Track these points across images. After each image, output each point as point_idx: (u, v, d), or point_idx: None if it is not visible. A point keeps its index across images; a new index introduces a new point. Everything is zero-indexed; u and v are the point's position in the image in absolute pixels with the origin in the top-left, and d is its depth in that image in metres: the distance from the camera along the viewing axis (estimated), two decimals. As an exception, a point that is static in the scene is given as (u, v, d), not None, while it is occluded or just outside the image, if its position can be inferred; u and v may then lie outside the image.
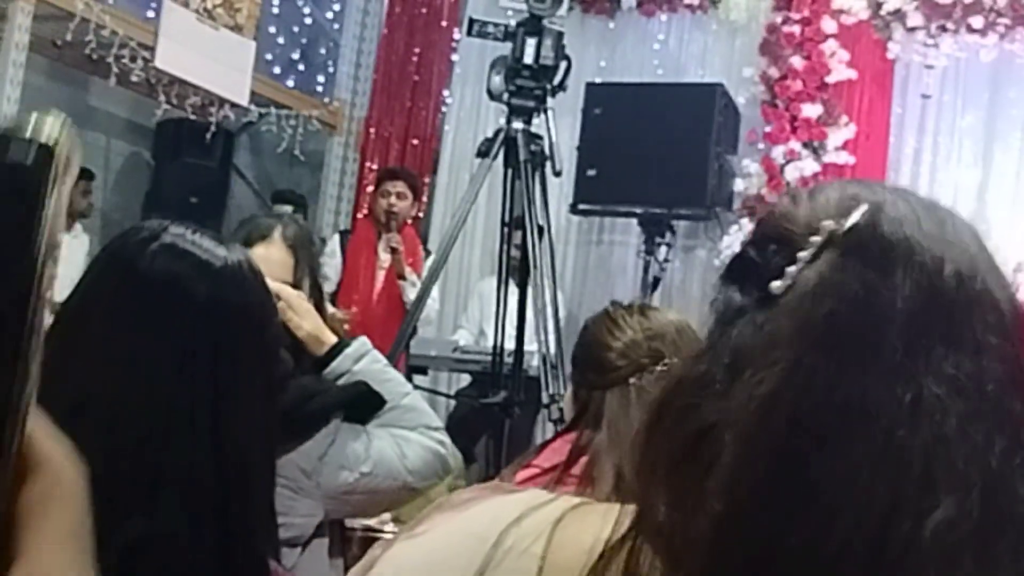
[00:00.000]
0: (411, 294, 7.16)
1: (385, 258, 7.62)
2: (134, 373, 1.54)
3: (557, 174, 5.57)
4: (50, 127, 0.65)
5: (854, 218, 0.94)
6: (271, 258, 3.09)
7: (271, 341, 1.69)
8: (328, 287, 7.24)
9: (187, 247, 1.62)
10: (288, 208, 8.57)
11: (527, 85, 5.54)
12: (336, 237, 7.97)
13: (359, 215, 9.23)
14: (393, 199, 7.67)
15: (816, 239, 0.93)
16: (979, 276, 0.93)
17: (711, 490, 0.88)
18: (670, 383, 0.99)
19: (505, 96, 5.58)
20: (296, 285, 3.18)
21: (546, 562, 0.96)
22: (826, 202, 0.97)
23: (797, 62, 8.01)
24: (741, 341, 0.93)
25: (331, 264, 7.55)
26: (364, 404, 2.61)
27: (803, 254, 0.93)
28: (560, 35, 5.64)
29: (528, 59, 5.54)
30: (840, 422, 0.87)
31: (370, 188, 9.00)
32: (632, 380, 2.40)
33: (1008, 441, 0.88)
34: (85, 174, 8.21)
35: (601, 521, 0.97)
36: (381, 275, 7.51)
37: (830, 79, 8.00)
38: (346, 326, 6.00)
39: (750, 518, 0.87)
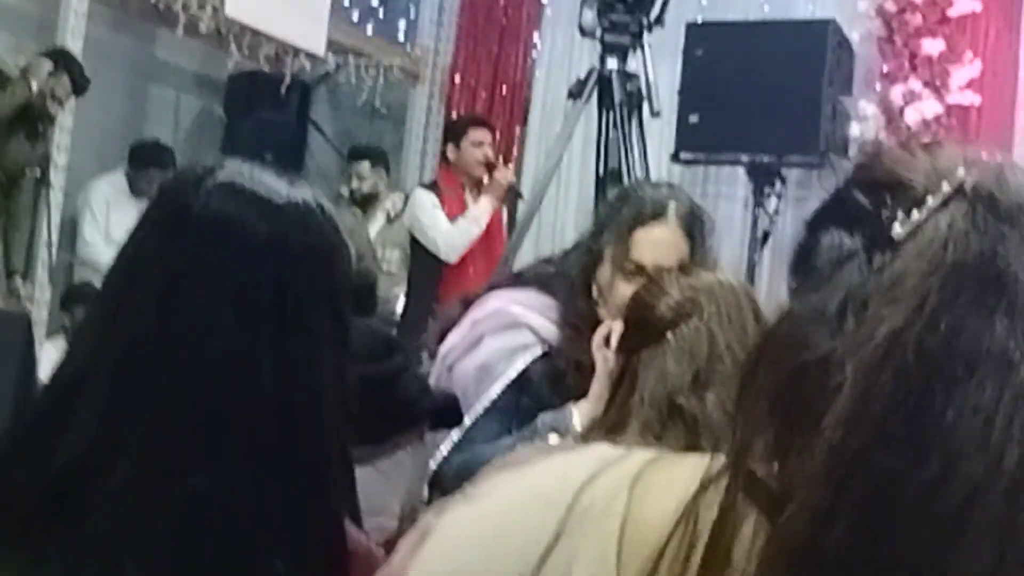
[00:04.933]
0: None
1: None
2: (191, 320, 1.51)
3: (655, 115, 5.53)
4: None
5: (984, 172, 0.98)
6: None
7: (340, 284, 1.65)
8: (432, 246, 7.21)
9: (245, 184, 1.58)
10: (366, 164, 8.52)
11: (621, 20, 5.51)
12: (422, 192, 7.63)
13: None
14: (487, 149, 7.39)
15: (946, 187, 0.97)
16: None
17: (827, 423, 0.90)
18: (778, 317, 1.02)
19: (598, 33, 5.55)
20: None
21: (628, 520, 0.97)
22: (947, 156, 1.01)
23: (916, -7, 7.90)
24: (854, 281, 0.96)
25: (437, 216, 7.26)
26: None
27: (931, 201, 0.96)
28: (656, -37, 5.60)
29: (622, -9, 5.48)
30: (970, 364, 0.90)
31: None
32: (668, 335, 2.42)
33: None
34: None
35: (689, 472, 0.99)
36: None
37: (952, 12, 7.88)
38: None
39: (872, 452, 0.89)
